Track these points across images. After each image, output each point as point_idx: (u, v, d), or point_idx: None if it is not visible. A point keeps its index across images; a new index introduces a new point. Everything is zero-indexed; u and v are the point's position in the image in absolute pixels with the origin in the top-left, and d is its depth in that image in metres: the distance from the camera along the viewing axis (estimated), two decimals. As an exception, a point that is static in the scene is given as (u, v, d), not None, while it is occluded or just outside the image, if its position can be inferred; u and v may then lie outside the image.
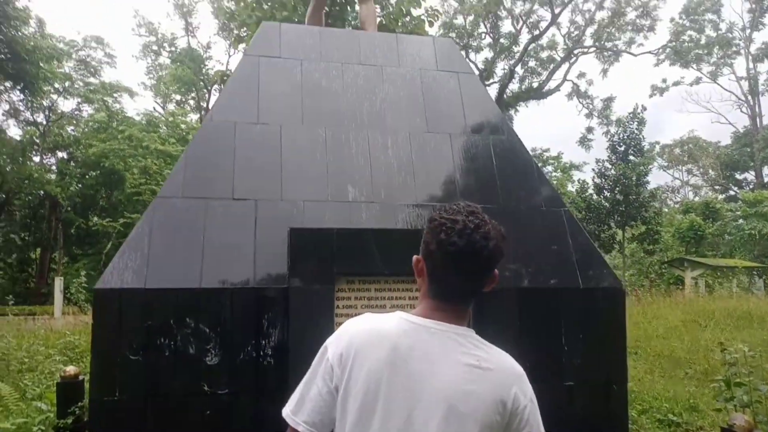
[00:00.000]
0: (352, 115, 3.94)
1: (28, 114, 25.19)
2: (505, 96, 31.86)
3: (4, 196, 23.27)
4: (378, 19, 18.88)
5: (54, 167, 26.77)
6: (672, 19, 32.73)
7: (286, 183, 3.59)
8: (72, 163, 26.24)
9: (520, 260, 3.62)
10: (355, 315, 3.50)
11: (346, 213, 3.58)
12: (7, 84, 20.58)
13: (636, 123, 22.91)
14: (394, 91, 4.12)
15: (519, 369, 1.32)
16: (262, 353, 3.20)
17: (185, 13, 34.99)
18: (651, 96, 34.19)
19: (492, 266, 1.32)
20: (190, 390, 3.10)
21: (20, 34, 18.49)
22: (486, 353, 1.31)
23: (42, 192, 23.58)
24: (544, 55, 33.42)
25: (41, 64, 20.37)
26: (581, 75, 34.46)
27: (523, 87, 32.86)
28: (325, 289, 3.21)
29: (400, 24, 15.50)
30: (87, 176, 25.99)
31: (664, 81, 31.64)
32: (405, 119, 4.01)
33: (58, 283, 15.05)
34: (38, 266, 25.07)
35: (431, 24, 17.09)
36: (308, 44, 4.19)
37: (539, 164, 34.51)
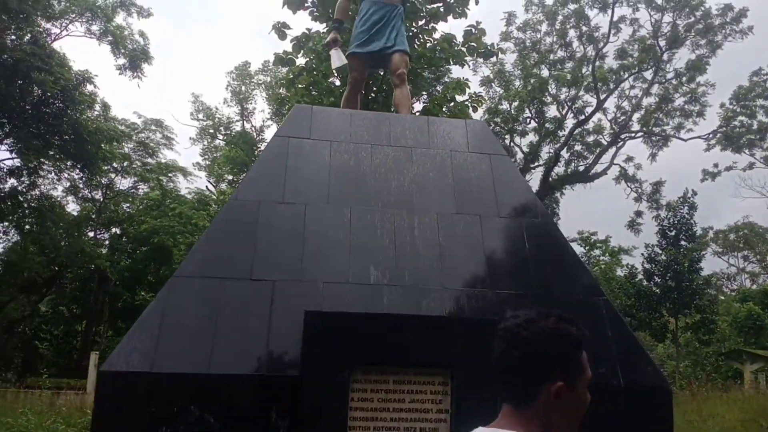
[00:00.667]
0: (379, 196, 3.85)
1: (86, 191, 26.39)
2: (550, 179, 31.71)
3: (56, 269, 24.03)
4: (422, 105, 19.36)
5: (106, 242, 27.67)
6: (722, 105, 32.42)
7: (306, 263, 3.47)
8: (124, 239, 27.09)
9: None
10: (371, 409, 3.21)
11: (367, 296, 3.41)
12: (69, 163, 21.69)
13: (686, 208, 22.30)
14: (423, 172, 4.03)
15: None
16: (270, 447, 2.97)
17: (242, 99, 36.83)
18: (702, 180, 33.45)
19: (524, 371, 1.34)
20: (192, 485, 2.88)
21: (84, 116, 19.64)
22: None
23: (92, 266, 24.24)
24: (590, 139, 33.37)
25: (102, 145, 21.48)
26: (629, 159, 34.01)
27: (569, 170, 32.67)
28: (339, 379, 3.00)
29: (444, 109, 15.79)
30: (137, 252, 26.73)
31: (716, 166, 30.81)
32: (433, 200, 3.89)
33: (93, 357, 15.14)
34: (82, 339, 25.45)
35: (475, 109, 17.33)
36: (338, 126, 4.18)
37: (586, 248, 33.72)
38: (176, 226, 24.27)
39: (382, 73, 12.80)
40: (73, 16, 21.58)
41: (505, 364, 1.35)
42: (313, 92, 14.03)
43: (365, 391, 3.07)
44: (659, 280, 21.44)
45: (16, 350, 21.59)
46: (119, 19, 22.13)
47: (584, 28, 30.87)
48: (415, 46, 15.63)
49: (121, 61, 21.73)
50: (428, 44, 15.90)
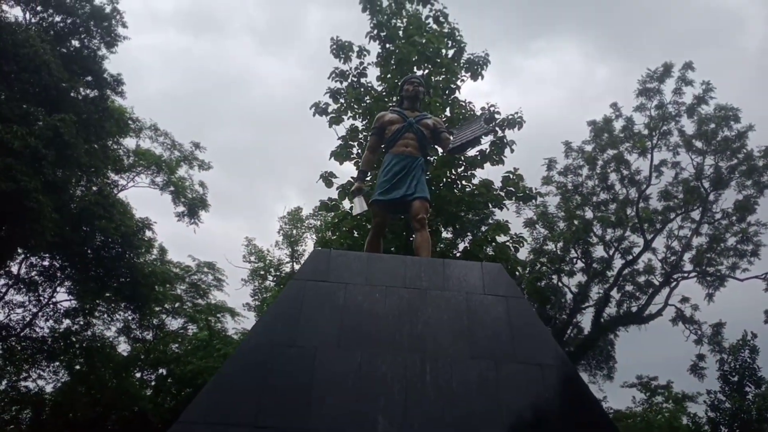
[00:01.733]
0: (391, 339, 3.84)
1: (137, 332, 26.93)
2: (602, 320, 30.62)
3: (100, 410, 23.96)
4: (463, 245, 19.57)
5: (152, 383, 27.66)
6: (778, 244, 31.43)
7: (312, 411, 3.42)
8: (169, 380, 27.06)
9: None
10: None
11: (375, 447, 3.30)
12: (123, 304, 22.43)
13: (747, 351, 20.91)
14: (437, 315, 4.03)
15: None
16: None
17: (292, 242, 38.09)
18: (766, 322, 31.65)
19: None
20: None
21: (141, 260, 20.62)
22: None
23: (136, 408, 24.08)
24: (641, 279, 32.51)
25: (156, 287, 22.26)
26: (684, 300, 32.73)
27: (622, 311, 31.55)
28: None
29: (487, 249, 15.92)
30: (181, 393, 26.52)
31: (779, 306, 29.20)
32: (447, 344, 3.85)
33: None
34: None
35: (517, 250, 17.41)
36: (355, 269, 4.30)
37: (647, 394, 31.43)
38: (221, 367, 24.18)
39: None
40: (140, 169, 23.49)
41: None
42: (356, 234, 14.50)
43: None
44: (725, 430, 19.65)
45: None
46: (182, 171, 23.94)
47: (625, 172, 31.34)
48: (455, 191, 16.19)
49: (180, 209, 23.14)
50: (467, 189, 16.46)
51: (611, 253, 31.65)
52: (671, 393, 34.78)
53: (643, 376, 35.09)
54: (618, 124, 29.74)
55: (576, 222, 30.97)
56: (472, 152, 16.33)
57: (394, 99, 10.97)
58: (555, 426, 3.48)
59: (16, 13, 15.46)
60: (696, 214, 30.33)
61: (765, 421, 19.34)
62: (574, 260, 32.75)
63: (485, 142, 15.83)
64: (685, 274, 31.71)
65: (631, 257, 30.87)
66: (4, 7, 14.96)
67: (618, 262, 31.76)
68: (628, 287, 32.58)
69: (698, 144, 28.68)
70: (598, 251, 32.35)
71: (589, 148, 31.10)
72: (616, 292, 31.98)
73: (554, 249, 32.54)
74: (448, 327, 3.96)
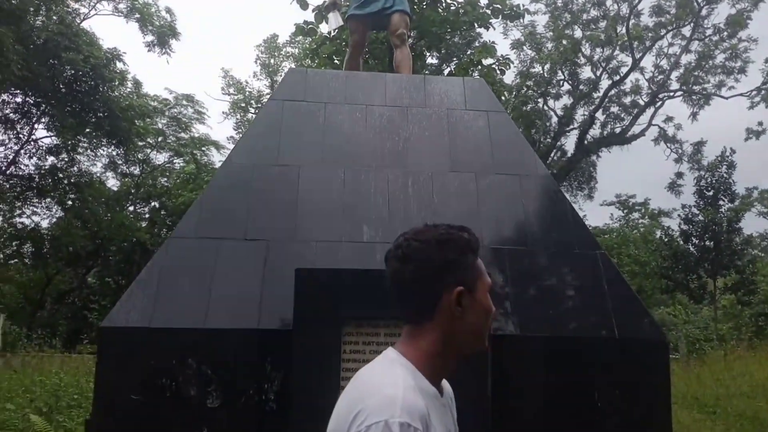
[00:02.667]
0: (373, 156, 3.88)
1: (124, 167, 27.05)
2: (586, 142, 31.03)
3: (99, 242, 24.84)
4: (447, 69, 19.06)
5: (147, 215, 28.42)
6: (766, 60, 30.99)
7: (299, 223, 3.54)
8: (162, 212, 27.76)
9: (546, 306, 3.36)
10: (363, 360, 3.30)
11: (361, 254, 3.47)
12: (104, 140, 22.23)
13: (725, 167, 21.59)
14: (418, 131, 4.03)
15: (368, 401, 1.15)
16: (264, 398, 3.09)
17: (271, 72, 36.89)
18: (746, 140, 32.22)
19: (419, 285, 1.29)
20: (190, 433, 3.02)
21: (116, 94, 20.03)
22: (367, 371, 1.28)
23: (134, 239, 24.96)
24: (626, 100, 32.41)
25: (136, 121, 21.90)
26: (668, 119, 32.92)
27: (605, 133, 31.89)
28: (331, 333, 3.08)
29: (470, 73, 15.55)
30: (175, 224, 27.38)
31: (761, 124, 29.58)
32: (428, 159, 3.90)
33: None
34: (127, 310, 26.34)
35: (503, 72, 17.01)
36: (333, 87, 4.20)
37: (624, 211, 32.86)
38: (206, 187, 24.67)
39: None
40: (100, -6, 21.87)
41: (399, 282, 1.29)
42: (336, 60, 14.00)
43: (357, 344, 3.15)
44: (697, 242, 20.94)
45: (66, 320, 22.56)
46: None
47: (619, -16, 29.78)
48: (439, 11, 15.42)
49: (149, 38, 21.98)
50: (452, 7, 15.65)
51: (599, 73, 31.17)
52: (648, 209, 36.48)
53: (621, 195, 36.56)
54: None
55: (564, 42, 30.04)
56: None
57: None
58: (531, 230, 3.66)
59: None
60: (687, 31, 29.43)
61: (734, 231, 20.53)
62: (561, 82, 32.32)
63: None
64: (671, 93, 31.60)
65: (618, 77, 30.48)
66: None
67: (605, 84, 31.43)
68: (614, 109, 32.60)
69: (696, -47, 26.98)
70: (586, 72, 31.81)
71: (581, -41, 29.23)
72: (601, 114, 32.07)
73: (541, 71, 31.94)
74: (429, 143, 3.98)
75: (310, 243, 3.47)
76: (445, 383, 1.36)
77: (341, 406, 1.22)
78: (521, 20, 25.21)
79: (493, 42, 16.01)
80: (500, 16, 16.25)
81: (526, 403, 3.19)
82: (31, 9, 15.65)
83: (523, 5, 16.90)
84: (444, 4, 15.54)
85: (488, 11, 15.51)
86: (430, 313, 1.28)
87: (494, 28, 16.17)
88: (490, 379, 2.91)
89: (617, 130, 32.15)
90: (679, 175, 33.30)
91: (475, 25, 16.14)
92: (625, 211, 35.59)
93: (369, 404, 1.14)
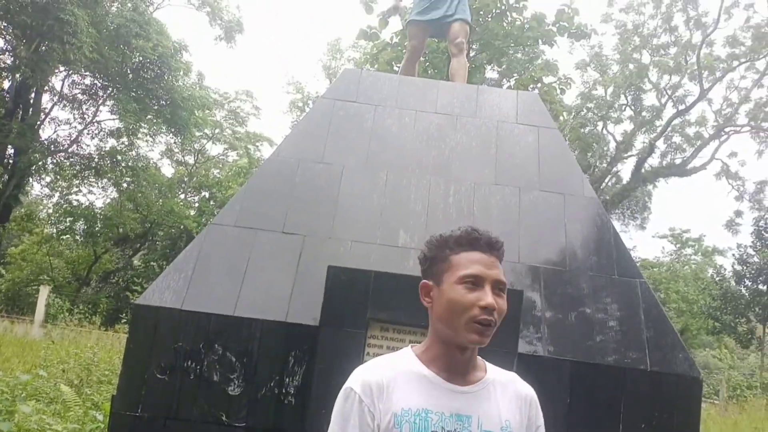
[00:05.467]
0: (418, 162, 3.85)
1: (180, 155, 27.86)
2: (643, 170, 30.20)
3: (149, 226, 25.61)
4: (507, 84, 18.90)
5: (196, 204, 29.16)
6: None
7: (337, 222, 3.55)
8: (211, 202, 28.43)
9: (579, 330, 3.26)
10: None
11: (394, 258, 3.45)
12: (164, 127, 22.95)
13: (787, 208, 20.61)
14: (466, 141, 3.99)
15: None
16: (284, 390, 3.10)
17: (331, 75, 37.37)
18: (814, 181, 30.86)
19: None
20: (209, 418, 3.05)
21: (179, 84, 20.67)
22: None
23: (182, 226, 25.66)
24: (690, 131, 31.40)
25: (195, 112, 22.55)
26: (732, 154, 31.79)
27: (665, 162, 30.97)
28: (356, 334, 3.07)
29: (530, 89, 15.37)
30: (223, 215, 27.94)
31: (832, 168, 28.24)
32: (472, 169, 3.85)
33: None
34: (170, 294, 27.03)
35: (563, 92, 16.73)
36: (385, 91, 4.20)
37: (677, 245, 31.70)
38: (251, 177, 25.12)
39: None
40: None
41: None
42: (396, 67, 14.05)
43: (381, 348, 3.13)
44: (749, 284, 20.05)
45: (108, 298, 23.31)
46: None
47: (692, 12, 28.92)
48: (504, 24, 15.31)
49: (217, 31, 22.63)
50: (517, 22, 15.51)
51: (664, 101, 30.32)
52: (701, 246, 35.18)
53: (675, 229, 35.37)
54: (692, -44, 26.80)
55: (631, 66, 29.36)
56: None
57: None
58: (571, 250, 3.56)
59: None
60: (761, 64, 28.35)
61: (791, 277, 19.62)
62: (623, 107, 31.57)
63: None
64: (738, 128, 30.47)
65: (684, 106, 29.58)
66: None
67: (669, 112, 30.53)
68: (676, 138, 31.63)
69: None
70: (650, 99, 31.01)
71: (657, -19, 28.51)
72: (662, 143, 31.15)
73: (603, 95, 31.27)
74: (476, 153, 3.93)
75: (346, 242, 3.47)
76: (510, 378, 1.49)
77: None
78: (587, 39, 24.82)
79: (556, 60, 15.78)
80: (566, 35, 15.97)
81: (549, 427, 3.10)
82: (108, -3, 16.34)
83: (591, 25, 16.62)
84: (509, 19, 15.41)
85: (554, 29, 15.31)
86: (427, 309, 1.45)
87: (558, 46, 15.97)
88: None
89: (677, 161, 31.19)
90: (738, 213, 32.02)
91: (540, 41, 15.94)
92: (677, 245, 34.41)
93: None
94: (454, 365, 1.40)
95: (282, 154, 3.84)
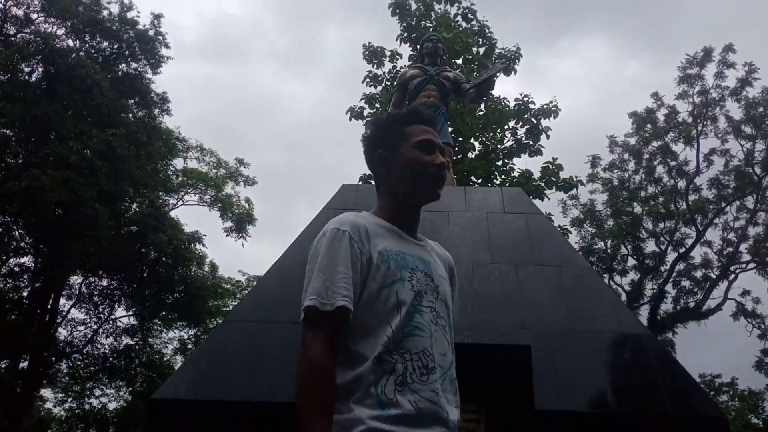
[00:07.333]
0: (416, 251, 4.08)
1: (193, 348, 27.71)
2: (659, 317, 29.75)
3: (162, 425, 24.67)
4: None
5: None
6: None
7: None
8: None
9: (592, 384, 3.25)
10: None
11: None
12: (179, 324, 23.24)
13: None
14: (459, 231, 4.26)
15: None
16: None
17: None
18: (840, 312, 30.15)
19: (366, 156, 1.77)
20: None
21: (193, 274, 21.36)
22: None
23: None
24: (697, 273, 31.49)
25: (209, 302, 22.98)
26: (745, 293, 31.41)
27: (678, 307, 30.60)
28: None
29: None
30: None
31: None
32: (469, 253, 4.07)
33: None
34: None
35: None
36: (381, 198, 4.57)
37: (711, 393, 30.16)
38: (260, 278, 24.62)
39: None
40: (189, 189, 24.48)
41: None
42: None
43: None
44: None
45: None
46: (228, 188, 24.81)
47: (672, 163, 30.63)
48: (496, 185, 16.26)
49: (228, 224, 23.92)
50: (507, 183, 16.49)
51: (663, 247, 30.86)
52: (736, 391, 33.30)
53: (705, 375, 33.74)
54: (660, 115, 29.06)
55: (624, 218, 30.37)
56: (507, 143, 16.39)
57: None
58: (574, 312, 3.65)
59: (67, 42, 16.65)
60: (750, 202, 29.33)
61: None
62: (625, 257, 32.03)
63: (521, 132, 15.89)
64: (743, 266, 30.59)
65: (684, 249, 30.02)
66: (58, 32, 16.12)
67: (672, 257, 30.89)
68: (684, 282, 31.61)
69: (747, 129, 27.82)
70: (650, 246, 31.54)
71: (633, 141, 30.57)
72: (671, 288, 31.06)
73: (604, 247, 31.93)
74: (470, 240, 4.18)
75: (354, 325, 3.58)
76: (435, 244, 1.84)
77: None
78: (577, 197, 26.03)
79: (550, 214, 16.49)
80: (554, 188, 16.80)
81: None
82: (126, 198, 17.63)
83: (576, 176, 17.56)
84: (499, 180, 16.36)
85: (542, 183, 16.20)
86: (377, 179, 1.72)
87: (549, 199, 16.68)
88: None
89: (691, 305, 30.82)
90: (766, 352, 30.81)
91: (530, 196, 16.74)
92: (711, 393, 32.59)
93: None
94: (408, 223, 1.66)
95: (288, 257, 4.09)
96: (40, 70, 15.47)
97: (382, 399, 1.34)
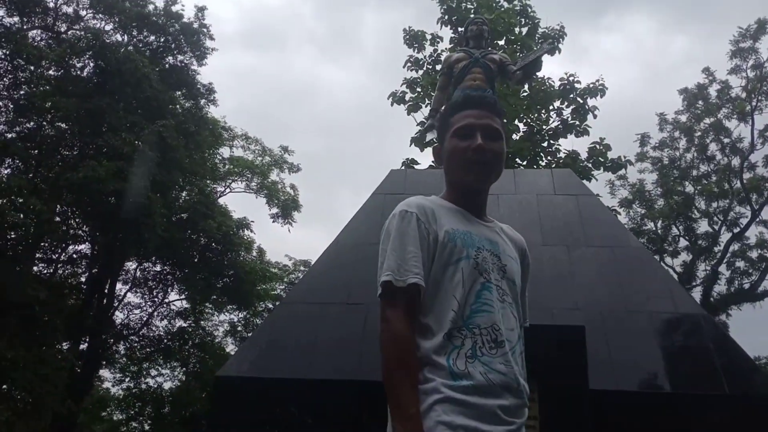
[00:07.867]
0: (466, 234, 4.12)
1: (243, 332, 28.44)
2: (712, 299, 28.93)
3: (215, 406, 25.46)
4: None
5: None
6: None
7: (396, 289, 3.76)
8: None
9: (648, 364, 3.24)
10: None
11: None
12: (229, 306, 23.87)
13: None
14: (508, 213, 4.27)
15: None
16: (360, 447, 3.13)
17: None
18: None
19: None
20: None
21: (241, 259, 21.89)
22: None
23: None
24: (752, 254, 30.45)
25: (257, 285, 23.52)
26: (803, 275, 30.30)
27: (732, 289, 29.69)
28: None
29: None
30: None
31: None
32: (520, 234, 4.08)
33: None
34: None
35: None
36: (429, 183, 4.62)
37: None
38: (315, 262, 24.93)
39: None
40: (235, 177, 24.98)
41: None
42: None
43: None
44: None
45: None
46: (273, 175, 25.22)
47: (726, 140, 29.58)
48: (541, 166, 16.05)
49: (274, 210, 24.36)
50: (553, 164, 16.24)
51: (717, 227, 29.90)
52: (796, 374, 32.21)
53: (760, 357, 32.76)
54: (712, 90, 27.99)
55: (675, 197, 29.52)
56: (552, 123, 16.13)
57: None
58: (630, 294, 3.63)
59: (116, 37, 17.16)
60: (808, 180, 28.10)
61: None
62: (677, 238, 31.18)
63: (566, 112, 15.62)
64: (802, 247, 29.43)
65: (738, 229, 29.03)
66: (107, 27, 16.64)
67: (725, 237, 29.92)
68: (739, 263, 30.61)
69: (805, 103, 26.60)
70: (702, 227, 30.60)
71: (683, 118, 29.61)
72: (725, 269, 30.12)
73: (654, 228, 31.15)
74: (520, 222, 4.18)
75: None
76: (507, 227, 1.80)
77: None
78: (625, 177, 25.41)
79: (598, 194, 16.15)
80: (601, 168, 16.45)
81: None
82: (176, 186, 18.15)
83: (624, 157, 17.15)
84: (545, 161, 16.13)
85: (589, 164, 15.89)
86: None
87: (596, 179, 16.36)
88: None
89: (746, 286, 29.86)
90: (829, 335, 29.65)
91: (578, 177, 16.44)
92: (771, 377, 31.57)
93: None
94: (473, 206, 1.67)
95: (341, 240, 4.19)
96: (91, 65, 16.04)
97: (454, 370, 1.41)
